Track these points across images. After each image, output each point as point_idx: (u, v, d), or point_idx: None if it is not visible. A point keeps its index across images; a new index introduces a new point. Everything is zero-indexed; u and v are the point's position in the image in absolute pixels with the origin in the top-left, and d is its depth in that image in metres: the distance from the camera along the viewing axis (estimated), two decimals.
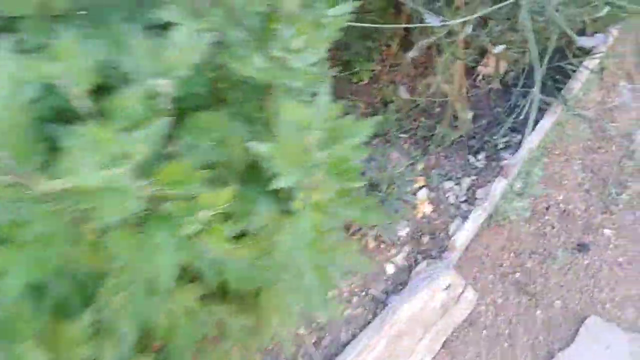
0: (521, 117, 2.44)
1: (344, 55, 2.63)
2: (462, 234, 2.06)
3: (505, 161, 2.28)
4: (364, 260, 1.14)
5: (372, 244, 2.16)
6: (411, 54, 2.08)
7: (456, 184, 2.33)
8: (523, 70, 2.49)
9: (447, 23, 1.50)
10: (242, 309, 1.18)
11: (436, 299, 1.98)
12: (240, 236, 0.91)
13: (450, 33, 1.99)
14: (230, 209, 0.78)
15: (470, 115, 2.48)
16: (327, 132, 0.80)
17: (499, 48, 1.74)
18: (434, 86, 2.10)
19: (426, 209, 2.23)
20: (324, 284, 1.04)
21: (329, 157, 0.81)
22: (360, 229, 2.13)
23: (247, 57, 0.84)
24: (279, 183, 0.78)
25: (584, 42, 1.53)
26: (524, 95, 2.32)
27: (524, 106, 2.37)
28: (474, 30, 1.92)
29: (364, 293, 2.06)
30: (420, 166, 2.37)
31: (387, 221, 2.08)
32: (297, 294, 1.02)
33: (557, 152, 2.41)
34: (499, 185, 2.16)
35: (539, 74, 1.60)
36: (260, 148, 0.78)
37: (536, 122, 2.36)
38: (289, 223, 0.89)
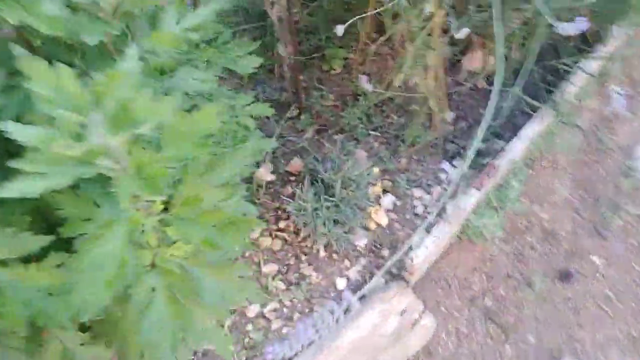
0: (505, 122, 2.16)
1: (312, 39, 2.35)
2: (426, 250, 1.78)
3: (487, 169, 1.99)
4: (251, 286, 0.85)
5: (322, 253, 1.87)
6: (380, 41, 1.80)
7: (426, 193, 2.04)
8: (516, 69, 2.21)
9: None
10: (97, 337, 0.90)
11: (388, 324, 1.70)
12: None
13: (425, 19, 1.71)
14: None
15: (449, 115, 2.19)
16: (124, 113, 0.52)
17: (463, 32, 1.46)
18: (402, 80, 1.82)
19: (387, 218, 1.95)
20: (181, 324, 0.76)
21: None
22: (309, 235, 1.85)
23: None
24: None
25: (564, 27, 1.26)
26: (515, 98, 2.04)
27: (508, 109, 2.09)
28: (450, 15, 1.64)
29: (307, 309, 1.78)
30: (386, 168, 2.08)
31: (341, 229, 1.79)
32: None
33: (543, 164, 2.12)
34: (472, 197, 1.87)
35: (501, 70, 1.33)
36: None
37: (521, 128, 2.07)
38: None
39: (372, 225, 1.90)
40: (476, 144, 1.81)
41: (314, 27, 2.33)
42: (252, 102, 1.36)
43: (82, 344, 0.88)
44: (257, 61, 1.26)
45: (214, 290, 0.83)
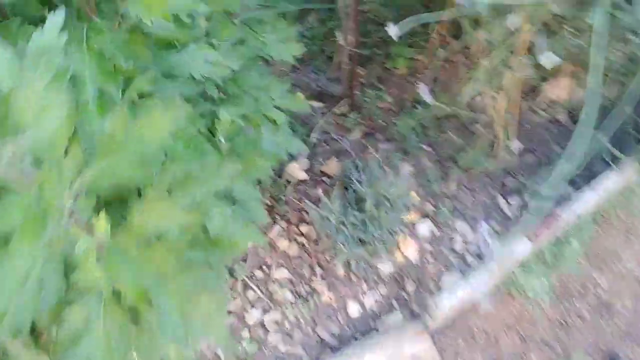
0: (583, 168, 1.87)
1: (380, 32, 2.12)
2: (456, 297, 1.55)
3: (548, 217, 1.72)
4: (219, 325, 0.68)
5: (340, 270, 1.69)
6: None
7: (470, 228, 1.80)
8: (605, 107, 1.89)
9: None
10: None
11: None
12: None
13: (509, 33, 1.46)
14: None
15: (516, 145, 1.92)
16: None
17: (551, 60, 1.20)
18: (470, 96, 1.58)
19: (419, 248, 1.73)
20: None
21: None
22: (329, 247, 1.67)
23: None
24: None
25: None
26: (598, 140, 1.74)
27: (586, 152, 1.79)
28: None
29: (309, 329, 1.61)
30: (432, 190, 1.85)
31: (364, 250, 1.60)
32: None
33: (615, 225, 1.82)
34: (523, 247, 1.62)
35: (593, 107, 1.08)
36: None
37: (596, 178, 1.78)
38: None
39: (400, 253, 1.69)
40: (546, 188, 1.55)
41: (384, 18, 2.10)
42: (288, 93, 1.19)
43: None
44: (297, 49, 1.07)
45: (176, 326, 0.67)
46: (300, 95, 2.03)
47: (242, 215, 1.10)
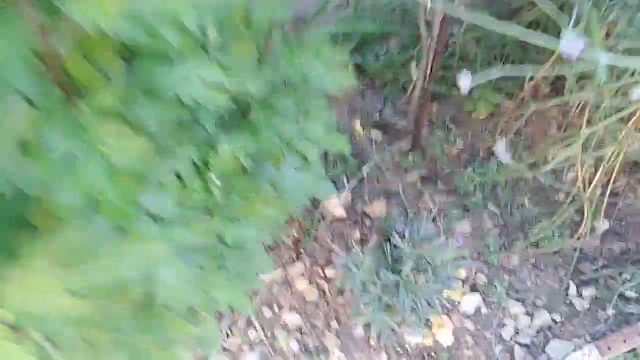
0: None
1: (465, 67, 1.86)
2: None
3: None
4: None
5: (359, 332, 1.46)
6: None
7: (527, 315, 1.50)
8: None
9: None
10: None
11: None
12: None
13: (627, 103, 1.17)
14: None
15: (603, 227, 1.60)
16: None
17: None
18: (558, 164, 1.30)
19: (460, 326, 1.46)
20: None
21: None
22: (351, 303, 1.45)
23: None
24: None
25: None
26: None
27: None
28: None
29: None
30: (489, 260, 1.57)
31: (390, 317, 1.36)
32: None
33: None
34: (590, 359, 1.30)
35: None
36: None
37: None
38: None
39: (435, 329, 1.43)
40: (631, 289, 1.24)
41: (472, 54, 1.84)
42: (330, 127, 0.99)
43: None
44: (347, 79, 0.88)
45: None
46: (358, 128, 1.84)
47: (241, 265, 0.91)
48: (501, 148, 1.30)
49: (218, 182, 0.67)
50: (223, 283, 0.80)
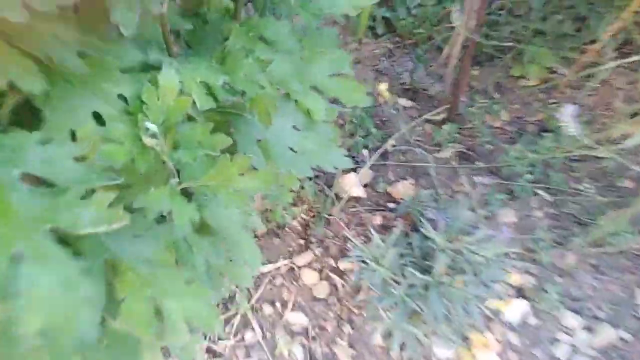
0: None
1: (513, 23, 1.54)
2: None
3: None
4: None
5: (375, 339, 1.19)
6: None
7: (588, 331, 1.21)
8: None
9: None
10: None
11: None
12: None
13: None
14: None
15: None
16: None
17: None
18: (631, 142, 1.00)
19: (502, 339, 1.18)
20: None
21: None
22: (367, 304, 1.18)
23: None
24: None
25: None
26: None
27: None
28: None
29: None
30: (538, 258, 1.28)
31: (416, 328, 1.09)
32: None
33: None
34: None
35: None
36: None
37: None
38: None
39: (474, 349, 1.15)
40: None
41: (524, 8, 1.52)
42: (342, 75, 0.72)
43: None
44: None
45: None
46: (385, 92, 1.55)
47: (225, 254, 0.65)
48: (569, 113, 1.00)
49: (154, 129, 0.40)
50: (179, 287, 0.54)
